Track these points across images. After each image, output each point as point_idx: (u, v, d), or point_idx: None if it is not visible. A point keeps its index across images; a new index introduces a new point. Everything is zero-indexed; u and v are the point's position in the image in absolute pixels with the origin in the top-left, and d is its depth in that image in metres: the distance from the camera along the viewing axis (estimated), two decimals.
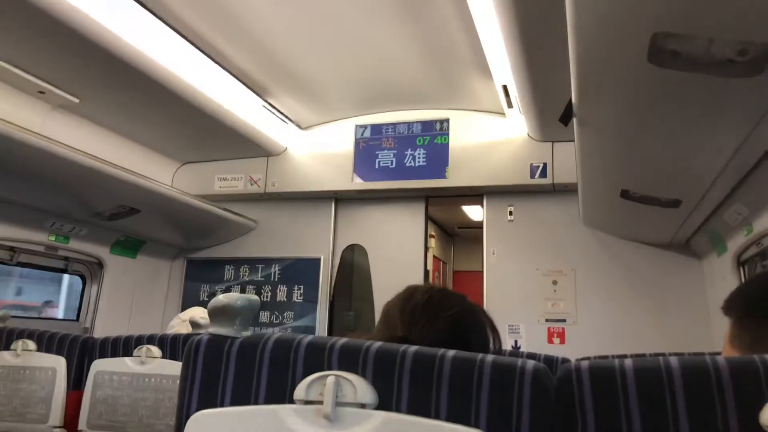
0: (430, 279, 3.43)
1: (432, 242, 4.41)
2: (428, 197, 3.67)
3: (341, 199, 3.87)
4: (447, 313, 0.89)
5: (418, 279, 3.46)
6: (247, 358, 0.76)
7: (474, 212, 5.04)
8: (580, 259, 3.32)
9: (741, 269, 2.42)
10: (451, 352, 0.70)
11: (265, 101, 3.38)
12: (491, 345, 0.91)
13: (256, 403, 0.74)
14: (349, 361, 0.71)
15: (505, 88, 2.97)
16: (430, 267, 3.59)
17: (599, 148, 2.03)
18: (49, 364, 1.65)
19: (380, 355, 0.70)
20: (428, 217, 3.52)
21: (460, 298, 0.94)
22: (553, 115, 2.14)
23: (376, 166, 3.63)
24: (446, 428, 0.66)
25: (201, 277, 4.04)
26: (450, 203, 3.72)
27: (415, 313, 0.89)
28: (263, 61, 2.94)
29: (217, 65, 2.85)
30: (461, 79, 3.18)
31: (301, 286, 3.84)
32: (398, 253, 3.54)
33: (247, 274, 3.94)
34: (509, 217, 3.47)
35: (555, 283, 3.34)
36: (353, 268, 3.70)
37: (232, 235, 3.99)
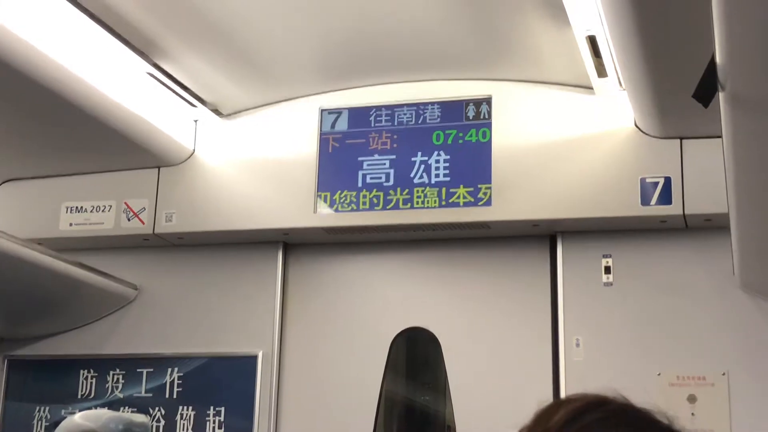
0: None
1: None
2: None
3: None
4: None
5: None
6: None
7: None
8: (736, 356, 3.54)
9: None
10: None
11: (155, 66, 3.57)
12: None
13: None
14: None
15: (591, 40, 3.17)
16: None
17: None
18: None
19: None
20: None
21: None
22: (683, 88, 2.18)
23: (359, 184, 3.86)
24: None
25: (34, 391, 4.19)
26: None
27: None
28: None
29: (70, 3, 3.06)
30: (513, 26, 3.37)
31: (221, 409, 3.99)
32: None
33: (120, 385, 4.10)
34: (605, 278, 3.72)
35: (692, 400, 3.51)
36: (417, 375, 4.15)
37: (92, 313, 4.14)
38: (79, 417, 2.88)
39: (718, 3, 1.58)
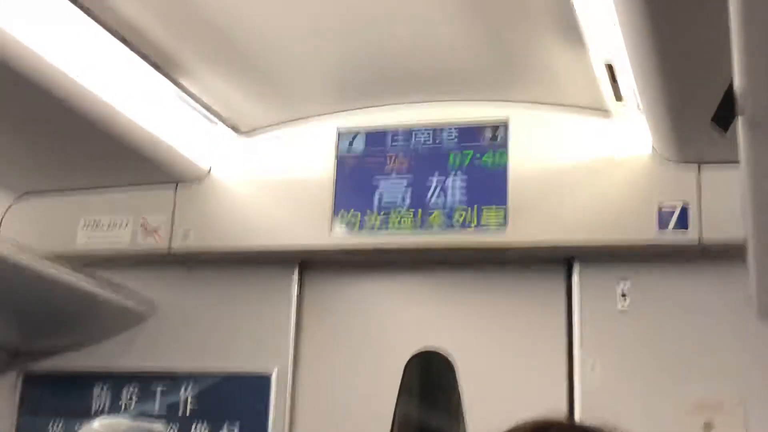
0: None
1: None
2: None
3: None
4: None
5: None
6: None
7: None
8: (754, 384, 3.53)
9: None
10: None
11: (177, 84, 3.62)
12: None
13: None
14: None
15: (610, 68, 3.22)
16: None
17: None
18: None
19: None
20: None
21: None
22: (702, 113, 2.14)
23: (376, 205, 3.87)
24: None
25: (49, 405, 4.22)
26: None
27: None
28: (174, 13, 3.20)
29: (89, 18, 3.11)
30: (531, 49, 3.40)
31: (235, 427, 4.01)
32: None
33: (134, 401, 4.13)
34: (621, 304, 3.71)
35: (709, 428, 3.51)
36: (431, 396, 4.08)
37: (108, 329, 4.17)
38: (98, 425, 2.90)
39: (737, 27, 1.58)
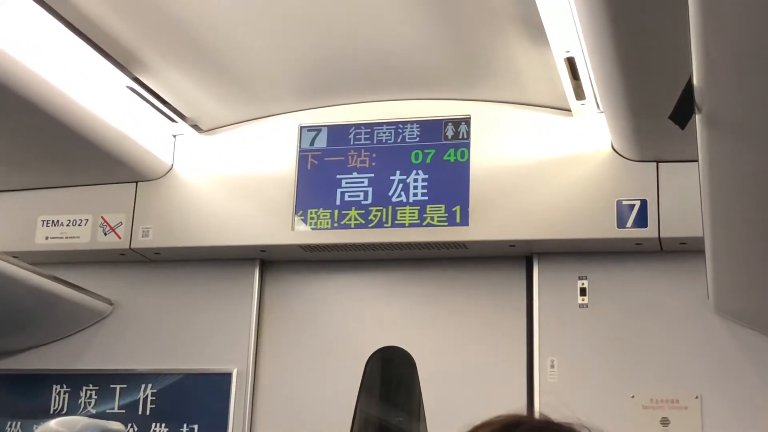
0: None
1: None
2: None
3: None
4: None
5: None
6: None
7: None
8: (710, 380, 3.58)
9: None
10: None
11: (135, 80, 3.60)
12: None
13: None
14: None
15: (570, 62, 3.22)
16: None
17: (747, 171, 2.10)
18: None
19: None
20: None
21: None
22: (660, 112, 2.17)
23: (338, 202, 3.87)
24: None
25: (6, 405, 4.20)
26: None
27: None
28: (137, 11, 3.19)
29: (45, 11, 3.07)
30: (493, 48, 3.42)
31: (195, 426, 4.00)
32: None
33: (93, 401, 4.12)
34: (580, 299, 3.75)
35: (666, 423, 3.54)
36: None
37: (67, 328, 4.16)
38: (54, 423, 2.88)
39: (695, 26, 1.60)
